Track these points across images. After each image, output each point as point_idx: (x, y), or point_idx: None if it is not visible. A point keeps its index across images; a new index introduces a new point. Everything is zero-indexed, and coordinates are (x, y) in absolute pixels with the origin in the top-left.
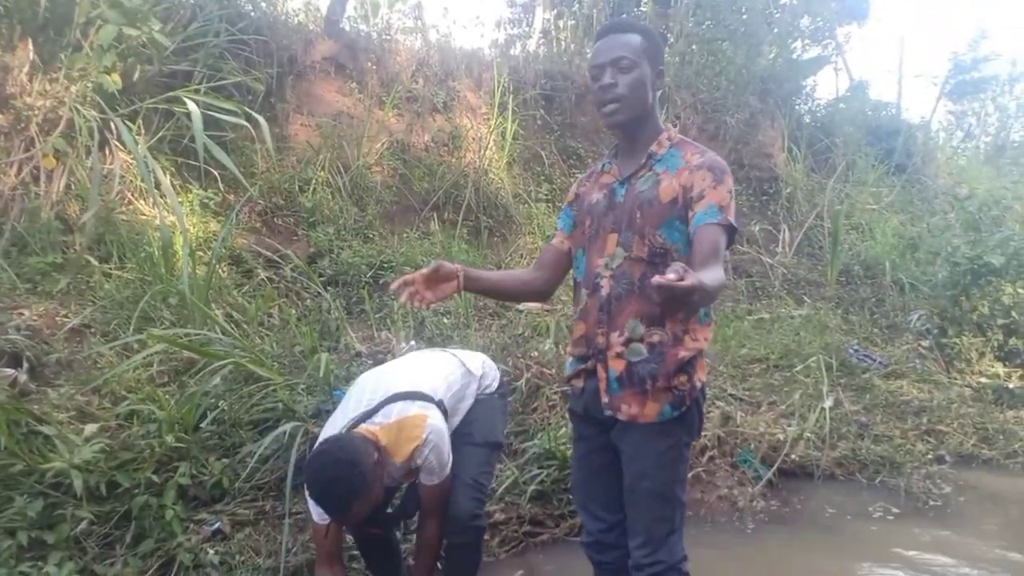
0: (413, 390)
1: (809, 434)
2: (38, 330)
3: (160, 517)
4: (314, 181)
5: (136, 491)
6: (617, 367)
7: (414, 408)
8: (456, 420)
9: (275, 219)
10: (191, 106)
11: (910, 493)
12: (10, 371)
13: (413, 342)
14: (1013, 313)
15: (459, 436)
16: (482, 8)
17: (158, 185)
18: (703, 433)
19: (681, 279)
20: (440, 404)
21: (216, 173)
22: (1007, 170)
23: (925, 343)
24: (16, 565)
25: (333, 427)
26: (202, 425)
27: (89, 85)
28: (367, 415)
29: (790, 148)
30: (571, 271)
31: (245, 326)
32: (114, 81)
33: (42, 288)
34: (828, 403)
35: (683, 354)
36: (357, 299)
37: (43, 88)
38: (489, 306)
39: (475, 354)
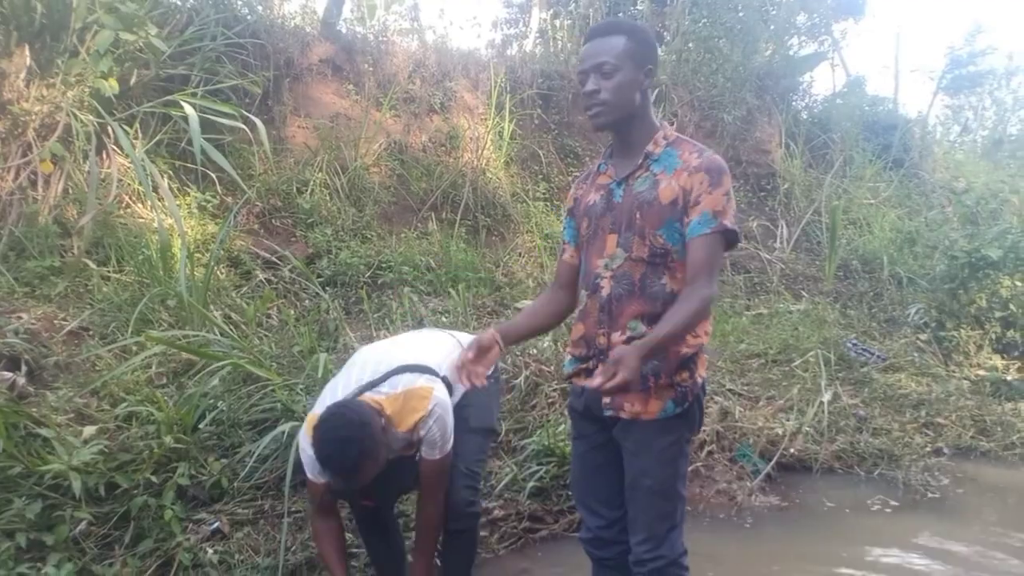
0: (420, 363)
1: (808, 428)
2: (36, 333)
3: (159, 517)
4: (312, 182)
5: (135, 492)
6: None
7: (421, 380)
8: (454, 400)
9: (273, 221)
10: (188, 109)
11: (908, 486)
12: (9, 374)
13: None
14: (1011, 306)
15: (455, 421)
16: (478, 9)
17: (156, 188)
18: (702, 428)
19: (610, 378)
20: (444, 380)
21: (214, 176)
22: (1004, 164)
23: (923, 336)
24: (15, 566)
25: (334, 395)
26: (201, 426)
27: (86, 90)
28: (372, 384)
29: (787, 144)
30: None
31: (244, 327)
32: (111, 86)
33: (40, 291)
34: (826, 397)
35: (685, 350)
36: (355, 299)
37: (40, 93)
38: (487, 305)
39: (470, 336)
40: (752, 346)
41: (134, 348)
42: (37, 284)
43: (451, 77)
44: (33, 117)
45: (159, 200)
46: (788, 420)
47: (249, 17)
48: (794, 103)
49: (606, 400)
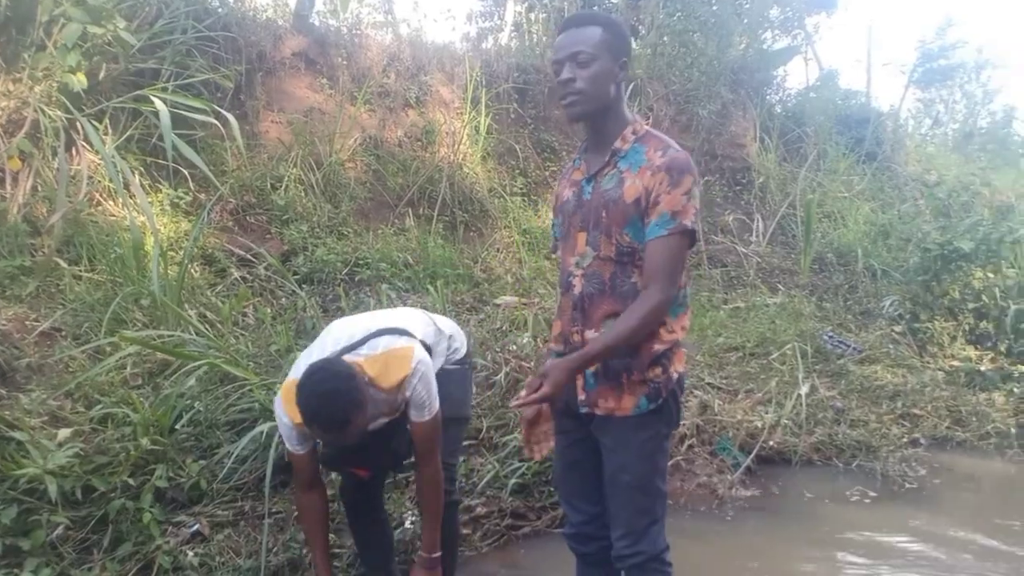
0: (398, 327)
1: (786, 420)
2: (7, 334)
3: (138, 520)
4: (286, 178)
5: (112, 495)
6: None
7: (401, 341)
8: (435, 365)
9: (247, 217)
10: (159, 104)
11: (886, 476)
12: None
13: None
14: (983, 297)
15: None
16: (453, 2)
17: (127, 185)
18: (682, 422)
19: (535, 390)
20: (423, 343)
21: (186, 172)
22: (975, 156)
23: (898, 328)
24: None
25: (309, 362)
26: (178, 427)
27: (54, 85)
28: (350, 348)
29: (762, 138)
30: None
31: (219, 326)
32: (79, 80)
33: (10, 292)
34: (804, 389)
35: (657, 347)
36: (333, 296)
37: (6, 89)
38: (466, 301)
39: (443, 317)
40: (730, 339)
41: (108, 349)
42: (7, 284)
43: (426, 71)
44: (0, 113)
45: (131, 197)
46: (767, 413)
47: (220, 10)
48: (768, 97)
49: (581, 397)
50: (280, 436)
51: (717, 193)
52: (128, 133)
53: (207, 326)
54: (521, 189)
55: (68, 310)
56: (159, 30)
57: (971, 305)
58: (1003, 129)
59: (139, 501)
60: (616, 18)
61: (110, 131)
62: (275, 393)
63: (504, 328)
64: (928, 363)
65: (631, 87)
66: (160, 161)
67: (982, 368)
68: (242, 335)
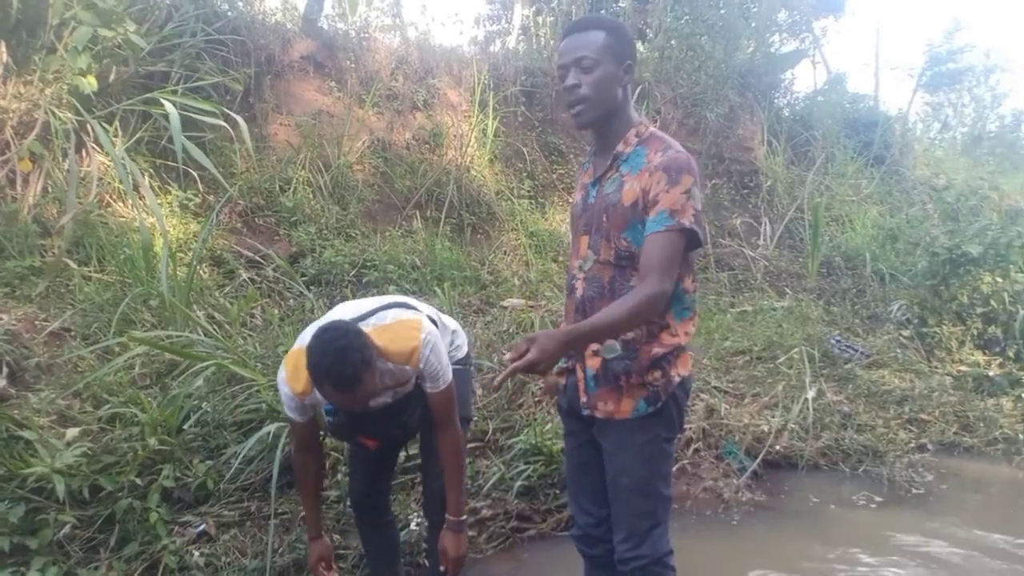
0: (406, 301)
1: (793, 425)
2: (17, 334)
3: (144, 520)
4: (295, 180)
5: (120, 494)
6: (593, 365)
7: (409, 314)
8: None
9: (256, 219)
10: (168, 107)
11: (893, 481)
12: None
13: None
14: (992, 302)
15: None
16: (461, 5)
17: (136, 187)
18: (688, 426)
19: (521, 355)
20: (428, 318)
21: (195, 174)
22: (984, 160)
23: (906, 333)
24: None
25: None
26: (185, 427)
27: (64, 87)
28: (359, 319)
29: (770, 141)
30: None
31: (227, 327)
32: (90, 83)
33: (20, 292)
34: (811, 394)
35: (657, 350)
36: (340, 298)
37: (17, 91)
38: (473, 303)
39: (446, 316)
40: (737, 343)
41: (117, 349)
42: (17, 284)
43: (434, 74)
44: (10, 115)
45: (140, 199)
46: (773, 417)
47: (229, 13)
48: (776, 100)
49: (583, 399)
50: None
51: (725, 196)
52: (138, 135)
53: (215, 327)
54: (528, 192)
55: (77, 310)
56: (169, 33)
57: (979, 310)
58: (1012, 133)
59: (146, 501)
60: (619, 21)
61: (120, 133)
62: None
63: (511, 330)
64: (936, 368)
65: (638, 90)
66: (169, 163)
67: (990, 373)
68: (250, 336)
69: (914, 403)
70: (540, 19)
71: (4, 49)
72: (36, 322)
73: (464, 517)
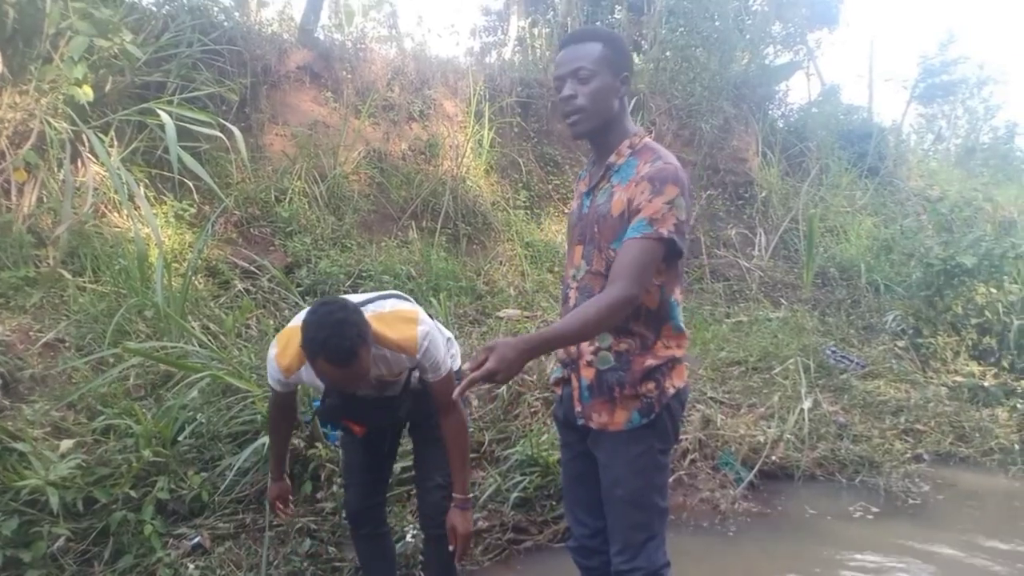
0: (403, 295)
1: (789, 435)
2: (11, 345)
3: (139, 532)
4: (290, 191)
5: (114, 507)
6: (588, 375)
7: (406, 305)
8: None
9: (251, 230)
10: (164, 117)
11: (889, 492)
12: None
13: None
14: (986, 312)
15: (424, 429)
16: (457, 17)
17: (132, 197)
18: (684, 436)
19: (480, 364)
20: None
21: (191, 184)
22: (977, 172)
23: (901, 343)
24: None
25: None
26: (180, 438)
27: (60, 97)
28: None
29: (764, 152)
30: None
31: (222, 338)
32: (85, 93)
33: (15, 303)
34: (807, 404)
35: (651, 362)
36: None
37: (13, 100)
38: (469, 313)
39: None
40: (732, 354)
41: (111, 360)
42: (11, 295)
43: (430, 85)
44: (6, 125)
45: (135, 209)
46: (769, 428)
47: (226, 24)
48: (770, 112)
49: (578, 409)
50: None
51: (719, 207)
52: (133, 145)
53: (210, 338)
54: (524, 202)
55: (72, 321)
56: (165, 43)
57: (974, 320)
58: (1005, 144)
59: (140, 513)
60: (616, 33)
61: (116, 143)
62: None
63: None
64: (931, 378)
65: (633, 101)
66: (165, 173)
67: (985, 384)
68: (245, 347)
69: (910, 413)
70: (536, 31)
71: (0, 59)
72: (30, 333)
73: (471, 495)
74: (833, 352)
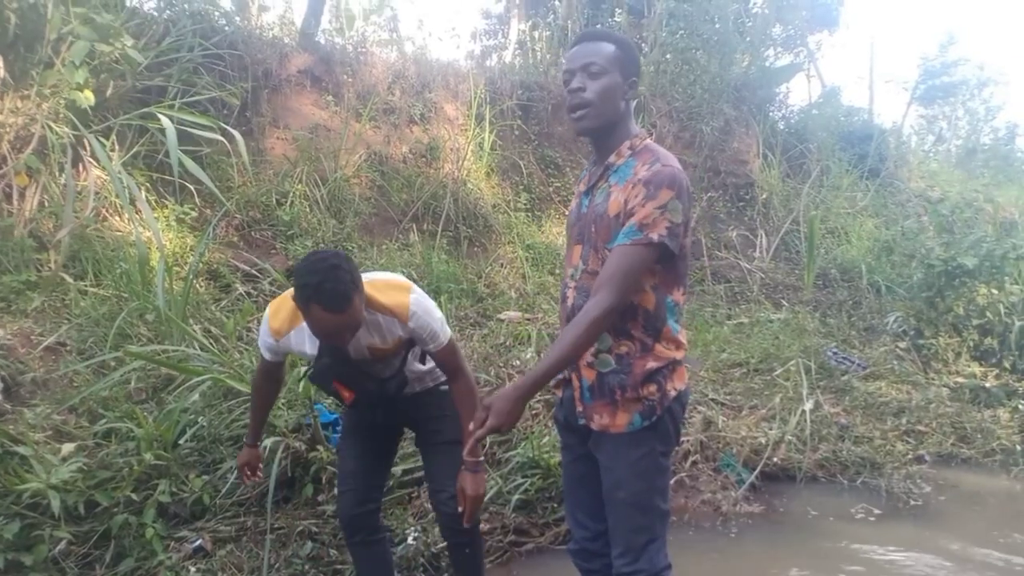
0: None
1: (790, 437)
2: (13, 349)
3: (140, 536)
4: (291, 194)
5: (115, 510)
6: (589, 377)
7: (399, 278)
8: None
9: (252, 233)
10: (165, 122)
11: (891, 493)
12: None
13: None
14: (987, 313)
15: (427, 434)
16: (457, 20)
17: (133, 201)
18: (686, 438)
19: (481, 424)
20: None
21: (192, 188)
22: (978, 173)
23: (902, 344)
24: None
25: None
26: (181, 442)
27: (61, 102)
28: None
29: (765, 154)
30: None
31: (224, 341)
32: (87, 97)
33: (16, 306)
34: (808, 406)
35: (651, 364)
36: None
37: (14, 105)
38: (470, 316)
39: None
40: (734, 355)
41: (112, 363)
42: (13, 299)
43: (431, 88)
44: (7, 129)
45: (137, 213)
46: (771, 429)
47: (227, 28)
48: (771, 114)
49: (579, 409)
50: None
51: (720, 209)
52: (135, 150)
53: (211, 341)
54: (525, 205)
55: (73, 325)
56: (166, 48)
57: (975, 321)
58: (1006, 146)
59: (142, 516)
60: (630, 39)
61: (117, 147)
62: (279, 408)
63: (508, 343)
64: (933, 379)
65: (633, 104)
66: (166, 177)
67: (987, 385)
68: (246, 350)
69: (911, 415)
70: (536, 34)
71: (1, 64)
72: (32, 337)
73: (481, 458)
74: (834, 353)
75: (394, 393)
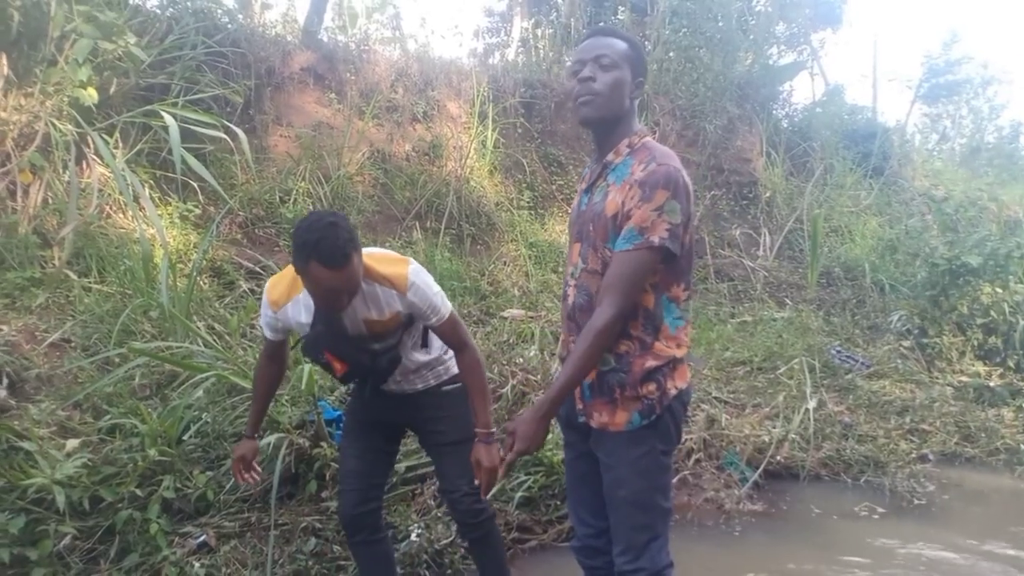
0: None
1: (794, 435)
2: (17, 345)
3: (144, 531)
4: (294, 192)
5: (120, 505)
6: (589, 375)
7: (397, 254)
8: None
9: (256, 230)
10: (168, 119)
11: (895, 492)
12: None
13: None
14: (992, 312)
15: (431, 435)
16: (460, 18)
17: (137, 198)
18: (689, 436)
19: (509, 449)
20: None
21: (195, 185)
22: (982, 171)
23: (906, 343)
24: None
25: None
26: (185, 438)
27: (65, 99)
28: None
29: (768, 153)
30: None
31: (227, 338)
32: (90, 95)
33: (21, 303)
34: (812, 404)
35: (650, 363)
36: None
37: (18, 103)
38: (473, 314)
39: None
40: (737, 354)
41: (117, 360)
42: (17, 296)
43: (434, 86)
44: (11, 127)
45: (140, 210)
46: (774, 427)
47: (230, 26)
48: (774, 112)
49: (579, 407)
50: (276, 449)
51: (724, 207)
52: (138, 147)
53: (215, 338)
54: (528, 203)
55: (78, 321)
56: (169, 46)
57: (979, 320)
58: (1010, 144)
59: (146, 512)
60: (639, 39)
61: (120, 145)
62: (282, 405)
63: (511, 341)
64: (936, 378)
65: (636, 102)
66: (170, 175)
67: (991, 384)
68: (250, 347)
69: (915, 413)
70: (539, 32)
71: (5, 61)
72: (36, 333)
73: (494, 430)
74: (838, 352)
75: (386, 368)
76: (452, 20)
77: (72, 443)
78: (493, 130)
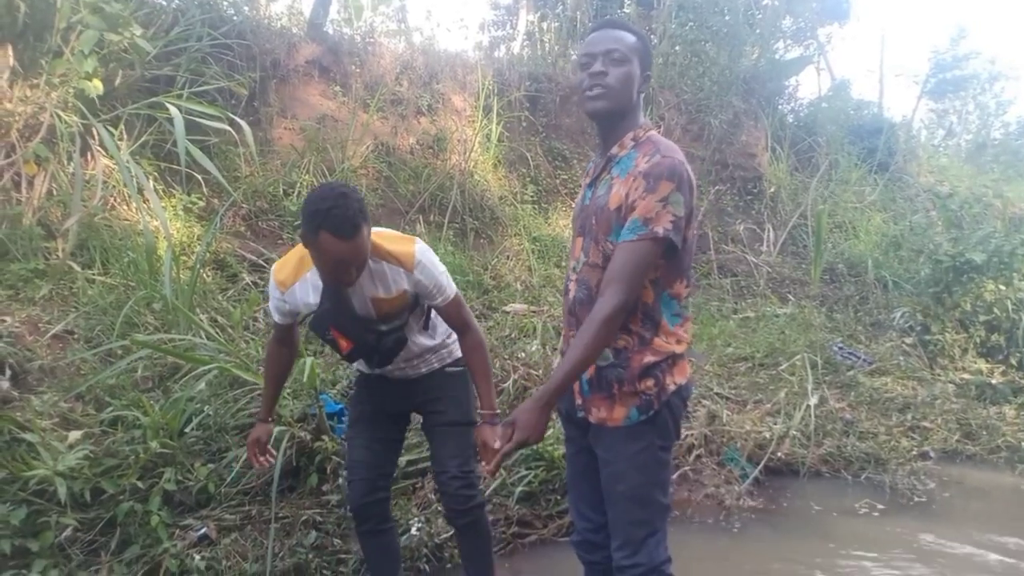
0: None
1: (795, 432)
2: (20, 337)
3: (145, 523)
4: (299, 184)
5: (121, 497)
6: (588, 370)
7: (403, 234)
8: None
9: (259, 223)
10: (173, 111)
11: (895, 489)
12: None
13: None
14: (995, 309)
15: (432, 415)
16: (465, 11)
17: (141, 190)
18: (689, 432)
19: (508, 439)
20: None
21: (200, 177)
22: (988, 168)
23: (909, 340)
24: (0, 573)
25: None
26: (187, 430)
27: (70, 91)
28: None
29: (773, 148)
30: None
31: (230, 330)
32: (95, 86)
33: (24, 294)
34: (813, 401)
35: (649, 359)
36: None
37: (23, 94)
38: (476, 308)
39: None
40: (739, 349)
41: (119, 352)
42: (21, 287)
43: (438, 79)
44: (16, 118)
45: (144, 202)
46: (775, 424)
47: (235, 18)
48: (780, 107)
49: (578, 401)
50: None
51: (728, 202)
52: (143, 139)
53: (218, 330)
54: (532, 197)
55: (81, 313)
56: (175, 37)
57: (982, 318)
58: (1016, 141)
59: (147, 504)
60: (646, 33)
61: (125, 137)
62: (284, 397)
63: (513, 335)
64: (939, 375)
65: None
66: (174, 167)
67: (993, 381)
68: (252, 340)
69: (916, 411)
70: (545, 25)
71: (11, 53)
72: (39, 324)
73: (497, 411)
74: (840, 348)
75: (391, 348)
76: (458, 13)
77: (74, 435)
78: (497, 124)
